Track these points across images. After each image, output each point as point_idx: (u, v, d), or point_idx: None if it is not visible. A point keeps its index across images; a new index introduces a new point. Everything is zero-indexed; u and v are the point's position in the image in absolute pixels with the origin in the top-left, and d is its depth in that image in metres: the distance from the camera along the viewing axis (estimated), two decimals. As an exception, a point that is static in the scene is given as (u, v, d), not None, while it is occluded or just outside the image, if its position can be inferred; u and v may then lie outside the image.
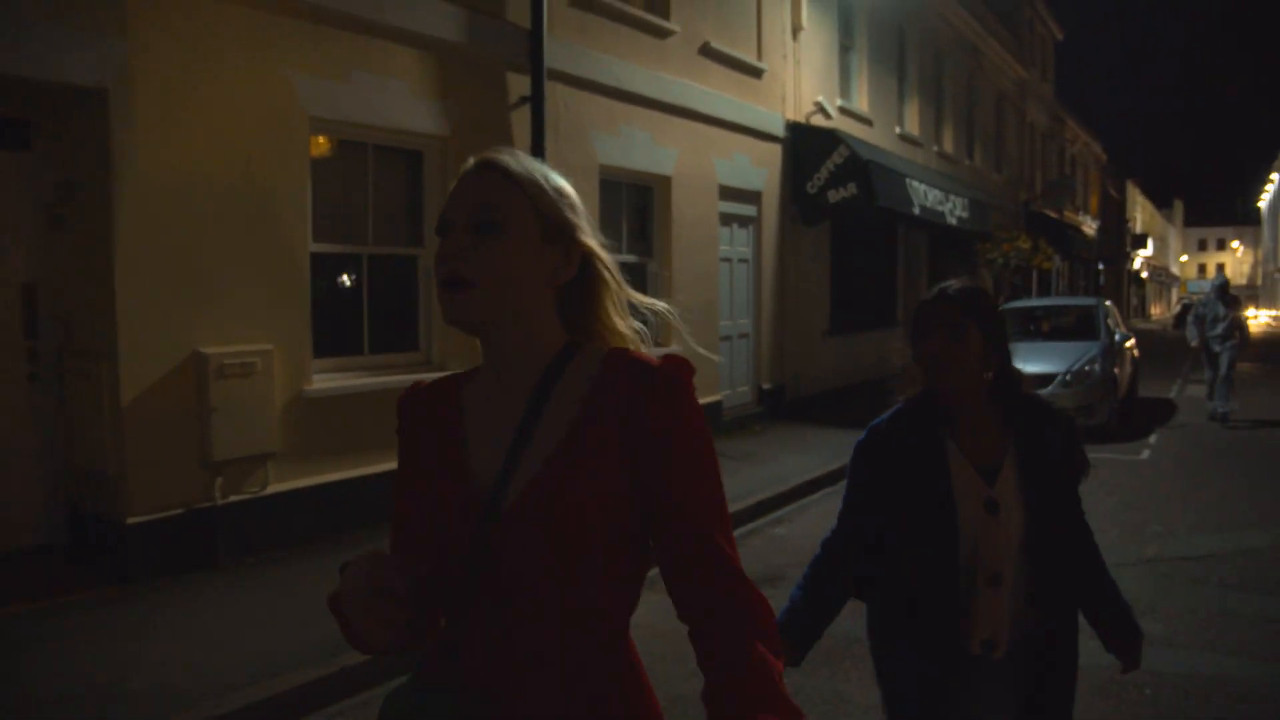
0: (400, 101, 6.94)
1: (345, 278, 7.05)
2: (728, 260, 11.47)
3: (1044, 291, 28.52)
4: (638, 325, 1.44)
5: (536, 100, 7.90)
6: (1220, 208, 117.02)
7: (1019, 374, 2.30)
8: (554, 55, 8.12)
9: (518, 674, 1.29)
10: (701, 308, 10.52)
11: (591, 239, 1.38)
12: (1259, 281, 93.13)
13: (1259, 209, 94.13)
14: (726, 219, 11.42)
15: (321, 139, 6.70)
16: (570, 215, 1.36)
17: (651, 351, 1.39)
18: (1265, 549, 6.59)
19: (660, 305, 1.47)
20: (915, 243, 18.42)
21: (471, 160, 1.36)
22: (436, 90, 7.25)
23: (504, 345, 1.35)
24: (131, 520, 5.45)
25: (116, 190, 5.31)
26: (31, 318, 5.94)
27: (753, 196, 11.96)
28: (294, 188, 6.29)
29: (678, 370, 1.32)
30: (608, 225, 9.35)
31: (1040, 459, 2.21)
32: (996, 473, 2.20)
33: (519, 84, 7.94)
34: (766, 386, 12.19)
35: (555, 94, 8.26)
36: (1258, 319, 60.49)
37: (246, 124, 5.95)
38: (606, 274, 1.40)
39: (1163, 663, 4.48)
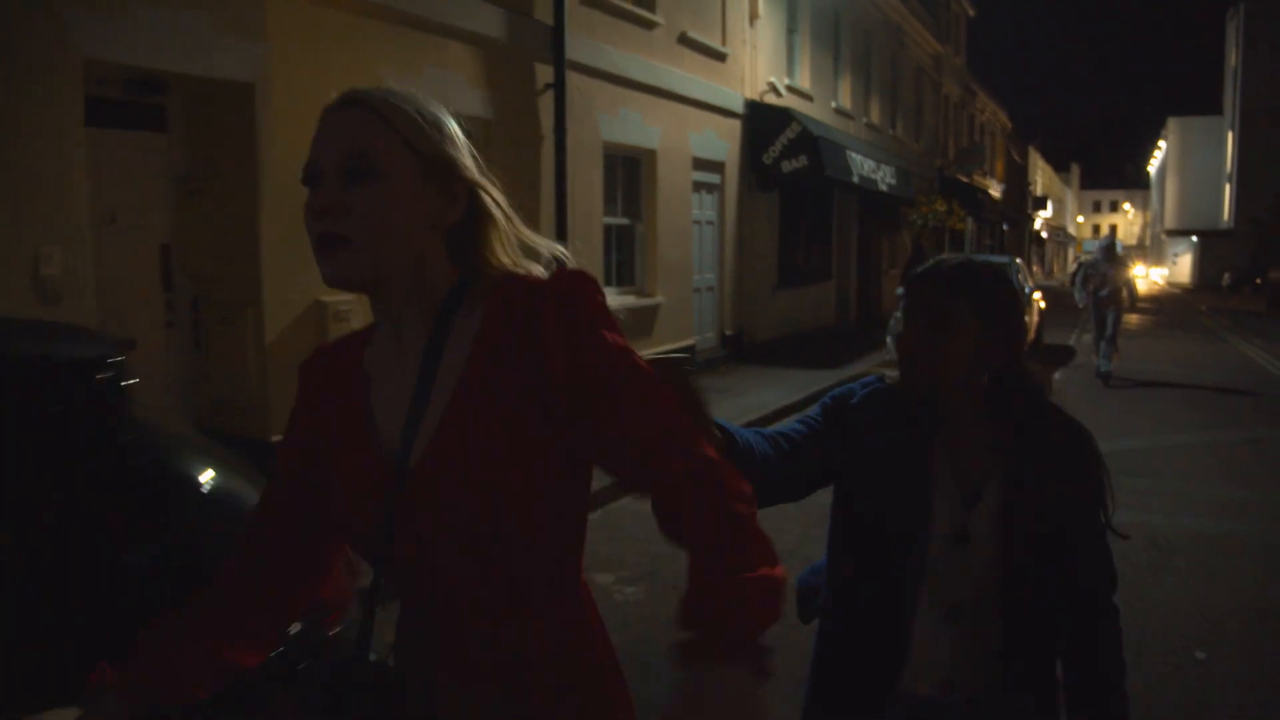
0: (459, 91, 8.27)
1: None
2: (698, 223, 13.04)
3: (956, 250, 30.73)
4: (540, 265, 1.29)
5: (559, 87, 9.27)
6: (1114, 172, 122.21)
7: (1029, 378, 1.80)
8: (570, 48, 9.48)
9: (455, 643, 1.21)
10: (678, 263, 12.07)
11: (477, 174, 1.24)
12: (1148, 242, 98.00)
13: (1148, 173, 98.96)
14: (697, 186, 12.96)
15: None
16: (451, 150, 1.23)
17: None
18: (1145, 450, 8.47)
19: (557, 247, 1.30)
20: (848, 207, 20.18)
21: (335, 95, 1.25)
22: (484, 80, 8.58)
23: (394, 299, 1.23)
24: (274, 439, 6.78)
25: (261, 167, 6.58)
26: (167, 274, 7.17)
27: (717, 167, 13.51)
28: (381, 165, 7.59)
29: (573, 281, 1.19)
30: (608, 193, 10.80)
31: (1036, 488, 1.73)
32: (977, 498, 1.74)
33: (544, 73, 9.30)
34: (729, 333, 13.84)
35: (570, 81, 9.62)
36: (1147, 277, 64.44)
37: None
38: (496, 211, 1.25)
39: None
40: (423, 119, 1.22)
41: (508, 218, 1.26)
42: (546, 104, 9.31)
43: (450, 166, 1.21)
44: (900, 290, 13.44)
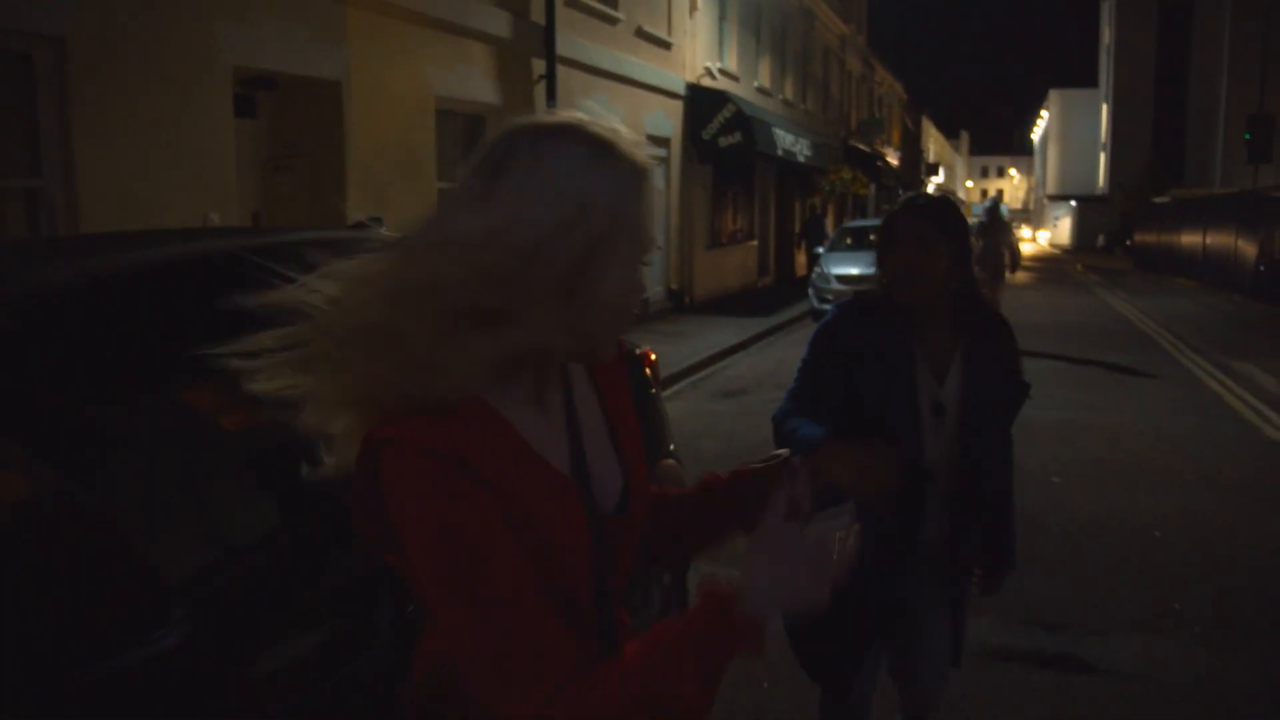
0: (478, 82, 10.06)
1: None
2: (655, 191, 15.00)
3: (858, 214, 33.31)
4: None
5: (550, 78, 11.09)
6: (1000, 139, 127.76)
7: (979, 289, 2.32)
8: (558, 44, 11.30)
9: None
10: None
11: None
12: (1032, 206, 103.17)
13: (1032, 141, 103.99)
14: (651, 160, 14.89)
15: (437, 114, 9.76)
16: None
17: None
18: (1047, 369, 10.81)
19: None
20: (768, 176, 22.37)
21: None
22: (495, 73, 10.39)
23: (550, 370, 1.22)
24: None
25: (347, 149, 8.32)
26: (255, 234, 8.85)
27: (665, 142, 15.49)
28: (423, 143, 9.36)
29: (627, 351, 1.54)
30: (585, 167, 12.72)
31: (982, 368, 2.27)
32: (945, 377, 2.25)
33: (538, 66, 11.11)
34: (674, 288, 15.90)
35: (565, 79, 11.45)
36: (1034, 240, 68.55)
37: (403, 106, 9.00)
38: None
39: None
40: None
41: None
42: (540, 92, 11.13)
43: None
44: (820, 250, 15.63)
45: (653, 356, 3.66)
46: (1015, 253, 12.64)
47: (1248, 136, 29.91)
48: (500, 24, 10.35)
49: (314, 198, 8.49)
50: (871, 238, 19.00)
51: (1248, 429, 8.41)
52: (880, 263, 2.30)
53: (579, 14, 12.27)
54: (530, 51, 11.00)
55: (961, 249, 2.23)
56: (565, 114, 1.17)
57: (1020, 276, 26.32)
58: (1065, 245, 63.05)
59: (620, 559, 1.28)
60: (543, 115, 1.17)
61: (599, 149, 1.16)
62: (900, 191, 47.54)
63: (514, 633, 1.06)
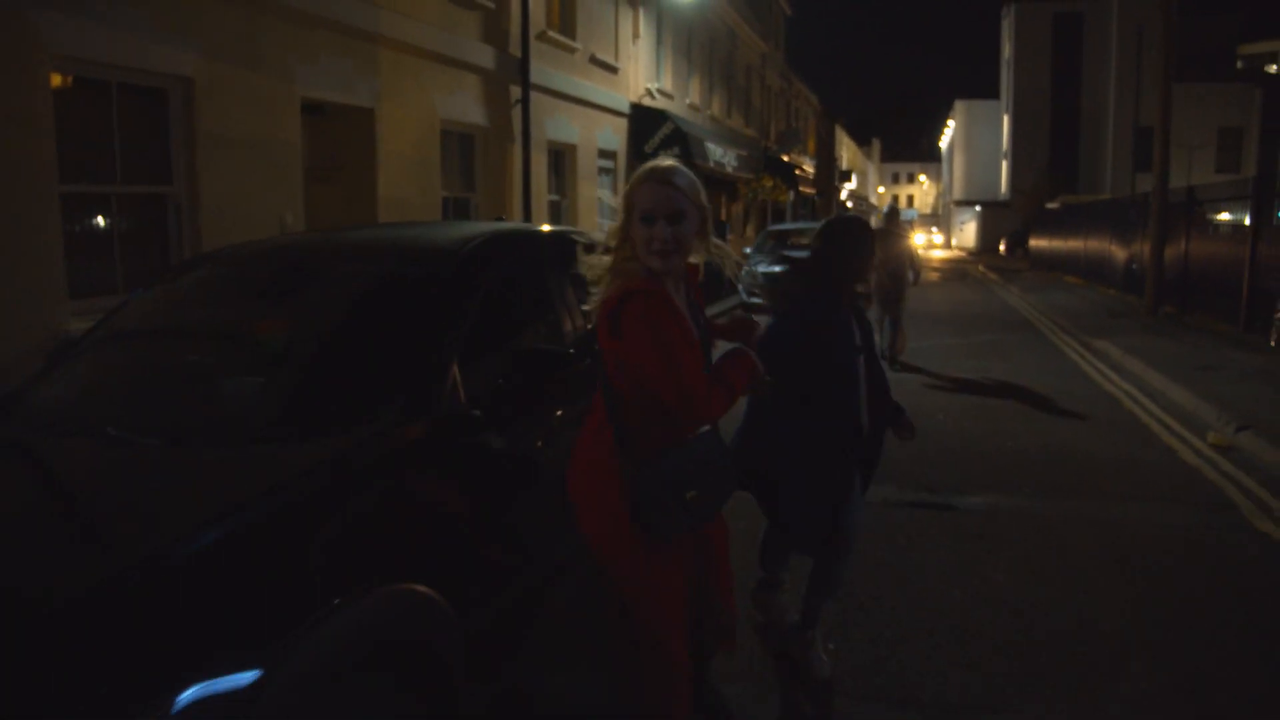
0: (470, 107, 11.96)
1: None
2: (599, 199, 17.02)
3: (778, 219, 35.78)
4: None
5: (525, 102, 13.03)
6: (910, 146, 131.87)
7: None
8: (532, 73, 13.25)
9: None
10: (589, 229, 16.06)
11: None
12: (940, 211, 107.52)
13: (940, 148, 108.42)
14: (601, 170, 16.94)
15: (441, 134, 11.64)
16: (703, 200, 2.66)
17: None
18: (928, 347, 13.09)
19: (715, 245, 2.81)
20: (698, 183, 24.53)
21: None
22: (483, 99, 12.29)
23: (675, 277, 2.62)
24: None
25: (379, 165, 10.16)
26: (292, 234, 10.60)
27: (612, 155, 17.54)
28: (431, 159, 11.23)
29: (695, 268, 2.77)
30: (550, 178, 14.65)
31: (863, 325, 3.77)
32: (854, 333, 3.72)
33: (515, 92, 13.04)
34: (623, 285, 17.93)
35: (536, 102, 13.40)
36: (930, 243, 71.98)
37: (417, 127, 10.87)
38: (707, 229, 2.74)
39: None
40: (697, 188, 2.62)
41: (705, 234, 2.70)
42: (517, 114, 13.06)
43: (704, 211, 2.65)
44: (746, 249, 17.93)
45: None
46: (915, 262, 11.48)
47: (1135, 146, 33.16)
48: (487, 57, 12.26)
49: (349, 204, 10.30)
50: (790, 240, 21.38)
51: (1092, 384, 10.76)
52: (824, 264, 3.69)
53: (546, 46, 14.23)
54: (509, 79, 12.93)
55: (869, 252, 3.74)
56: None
57: (927, 275, 28.97)
58: (970, 248, 66.63)
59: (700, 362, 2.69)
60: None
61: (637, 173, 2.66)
62: (816, 197, 50.37)
63: (685, 379, 2.49)
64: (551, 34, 14.39)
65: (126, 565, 2.06)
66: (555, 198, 15.17)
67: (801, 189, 39.75)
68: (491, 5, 12.38)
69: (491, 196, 12.76)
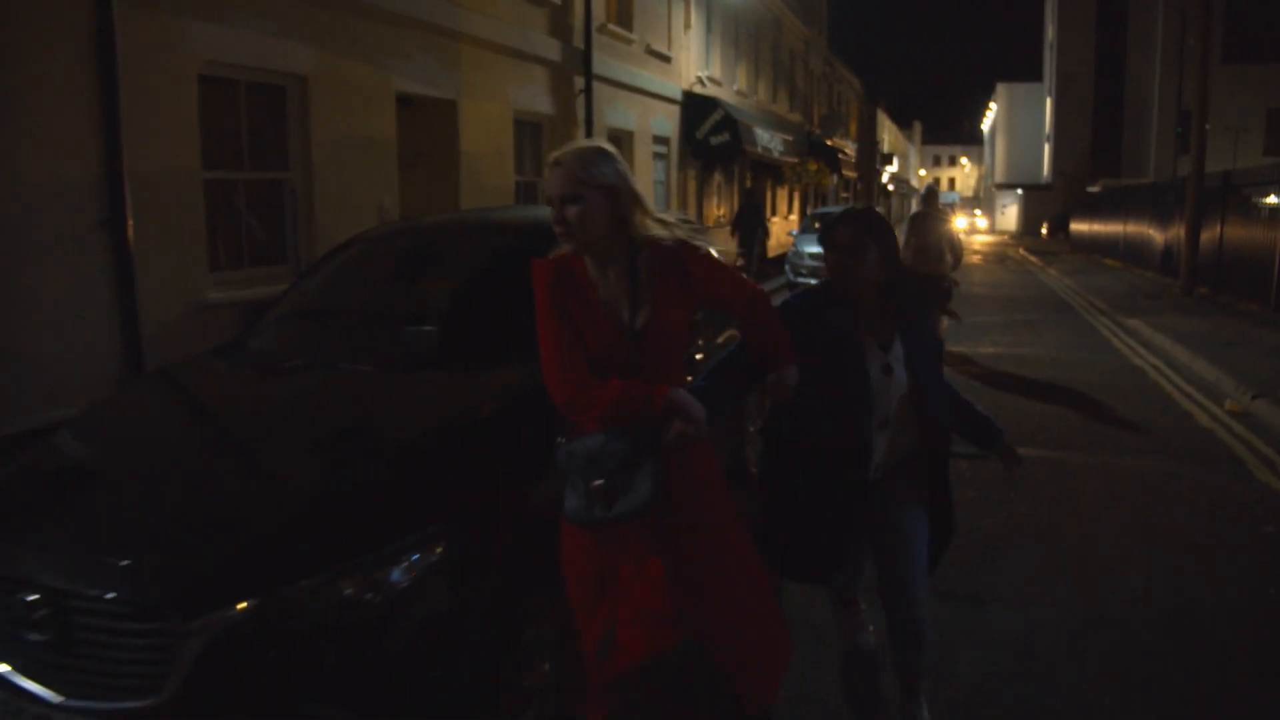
0: (539, 97, 12.86)
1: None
2: (658, 182, 17.89)
3: (821, 203, 36.40)
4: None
5: (588, 92, 13.90)
6: (951, 128, 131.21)
7: (905, 275, 3.11)
8: (594, 64, 14.10)
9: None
10: (647, 213, 16.95)
11: (629, 186, 2.63)
12: (982, 194, 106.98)
13: (982, 131, 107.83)
14: (656, 156, 17.79)
15: (514, 123, 12.53)
16: (614, 179, 2.59)
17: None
18: (974, 324, 13.85)
19: (674, 225, 2.72)
20: (743, 167, 25.29)
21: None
22: (550, 89, 13.19)
23: (599, 253, 2.62)
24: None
25: (460, 155, 11.09)
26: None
27: (666, 141, 18.37)
28: (505, 146, 12.14)
29: (692, 246, 2.69)
30: (610, 163, 15.53)
31: (915, 336, 3.09)
32: (890, 346, 3.05)
33: (578, 83, 13.91)
34: (674, 265, 18.80)
35: (597, 91, 14.25)
36: (973, 227, 71.87)
37: (493, 117, 11.78)
38: (637, 204, 2.63)
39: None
40: (594, 166, 2.57)
41: (643, 209, 2.63)
42: (580, 103, 13.94)
43: (614, 189, 2.59)
44: (792, 232, 18.91)
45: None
46: (956, 247, 10.45)
47: (1179, 131, 33.37)
48: (553, 50, 13.14)
49: (433, 189, 11.23)
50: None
51: (1120, 357, 11.50)
52: (826, 260, 3.09)
53: (606, 38, 15.08)
54: (573, 71, 13.80)
55: (888, 250, 3.03)
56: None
57: (967, 258, 29.52)
58: (1012, 231, 66.66)
59: (643, 360, 2.62)
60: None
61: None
62: (859, 183, 50.81)
63: (551, 356, 2.59)
64: (611, 26, 15.23)
65: (402, 445, 3.03)
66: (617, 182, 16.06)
67: (844, 172, 40.30)
68: (558, 1, 13.25)
69: (556, 181, 13.64)
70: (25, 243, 6.20)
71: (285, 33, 8.27)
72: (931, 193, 10.75)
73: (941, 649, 3.85)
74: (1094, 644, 4.03)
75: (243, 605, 2.54)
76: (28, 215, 6.20)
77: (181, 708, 2.52)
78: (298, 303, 4.64)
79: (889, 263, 3.02)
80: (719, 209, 22.61)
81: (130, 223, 6.73)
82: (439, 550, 2.73)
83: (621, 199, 2.62)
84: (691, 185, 20.05)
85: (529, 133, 13.09)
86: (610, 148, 2.71)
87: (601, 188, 2.59)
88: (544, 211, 4.62)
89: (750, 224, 18.98)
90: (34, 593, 2.64)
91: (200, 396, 3.81)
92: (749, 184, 25.63)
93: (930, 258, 9.98)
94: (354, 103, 9.20)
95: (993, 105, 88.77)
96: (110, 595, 2.59)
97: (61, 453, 3.46)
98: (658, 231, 2.67)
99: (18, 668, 2.73)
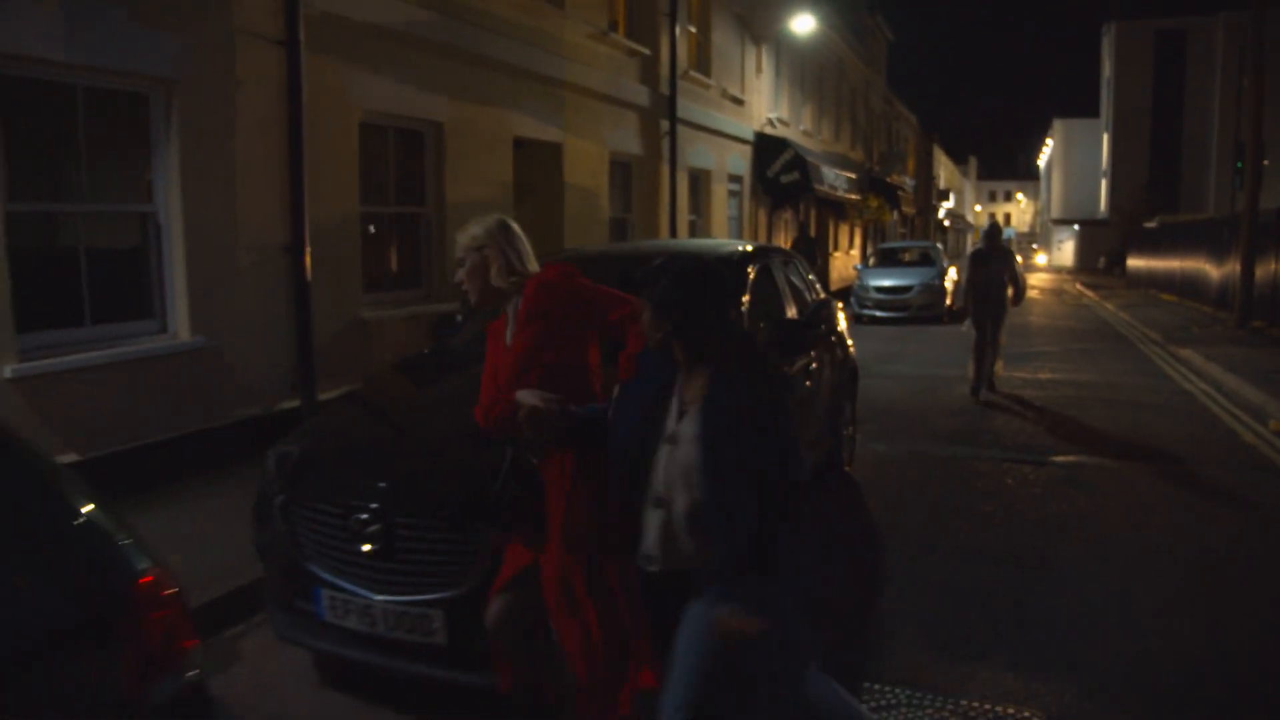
0: (630, 139, 14.05)
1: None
2: (731, 217, 19.02)
3: (880, 238, 37.30)
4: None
5: (672, 135, 15.08)
6: (1007, 164, 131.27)
7: (727, 342, 2.57)
8: (678, 108, 15.28)
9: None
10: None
11: (499, 250, 3.22)
12: (1038, 229, 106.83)
13: (1038, 166, 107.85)
14: (730, 194, 18.94)
15: (609, 164, 13.72)
16: (492, 249, 3.23)
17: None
18: (1035, 352, 14.71)
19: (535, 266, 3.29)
20: (808, 203, 26.37)
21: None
22: (639, 133, 14.39)
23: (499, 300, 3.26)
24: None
25: (565, 191, 12.28)
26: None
27: (739, 179, 19.53)
28: (602, 185, 13.31)
29: (563, 269, 3.21)
30: (692, 200, 16.71)
31: (719, 414, 2.44)
32: (684, 415, 2.54)
33: (663, 125, 15.09)
34: (744, 295, 19.93)
35: (679, 133, 15.42)
36: (1041, 266, 72.01)
37: (592, 158, 12.98)
38: (502, 262, 3.21)
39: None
40: (470, 236, 3.25)
41: (510, 262, 3.24)
42: (665, 144, 15.12)
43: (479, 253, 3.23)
44: (857, 266, 19.98)
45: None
46: (1020, 283, 10.91)
47: (1239, 165, 33.68)
48: (643, 96, 14.35)
49: (540, 222, 12.40)
50: (898, 257, 23.14)
51: (1171, 383, 12.31)
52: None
53: (688, 84, 16.29)
54: (659, 115, 14.99)
55: (688, 315, 2.53)
56: None
57: (1028, 294, 30.18)
58: (1068, 266, 66.79)
59: (501, 375, 3.21)
60: None
61: None
62: (915, 219, 51.56)
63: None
64: (692, 74, 16.43)
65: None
66: (694, 218, 17.20)
67: (903, 208, 41.18)
68: (648, 52, 14.47)
69: (644, 217, 14.82)
70: (231, 261, 7.40)
71: (428, 85, 9.52)
72: (995, 229, 11.02)
73: (1012, 602, 4.85)
74: (1144, 596, 4.99)
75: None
76: (234, 237, 7.41)
77: (479, 595, 3.55)
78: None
79: (691, 329, 2.57)
80: (785, 243, 23.64)
81: (308, 250, 7.95)
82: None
83: (484, 260, 3.25)
84: (762, 219, 21.15)
85: (621, 172, 14.28)
86: (494, 221, 3.35)
87: (471, 250, 3.27)
88: (716, 244, 5.85)
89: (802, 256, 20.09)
90: (367, 514, 3.72)
91: (444, 379, 4.94)
92: (805, 219, 26.78)
93: (991, 295, 10.51)
94: (480, 146, 10.43)
95: (1049, 141, 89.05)
96: (432, 513, 3.66)
97: (354, 415, 4.63)
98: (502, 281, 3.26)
99: (345, 575, 3.80)
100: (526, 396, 2.83)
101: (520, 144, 11.68)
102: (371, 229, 9.32)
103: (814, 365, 6.06)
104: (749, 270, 5.71)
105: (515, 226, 3.40)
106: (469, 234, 3.27)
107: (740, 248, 6.13)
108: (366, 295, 9.02)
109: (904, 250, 23.49)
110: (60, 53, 6.06)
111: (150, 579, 2.11)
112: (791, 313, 6.09)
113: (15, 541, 2.03)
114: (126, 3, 6.41)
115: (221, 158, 7.27)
